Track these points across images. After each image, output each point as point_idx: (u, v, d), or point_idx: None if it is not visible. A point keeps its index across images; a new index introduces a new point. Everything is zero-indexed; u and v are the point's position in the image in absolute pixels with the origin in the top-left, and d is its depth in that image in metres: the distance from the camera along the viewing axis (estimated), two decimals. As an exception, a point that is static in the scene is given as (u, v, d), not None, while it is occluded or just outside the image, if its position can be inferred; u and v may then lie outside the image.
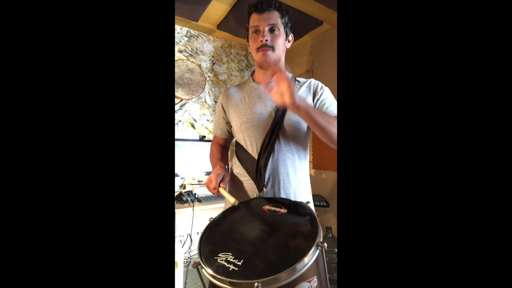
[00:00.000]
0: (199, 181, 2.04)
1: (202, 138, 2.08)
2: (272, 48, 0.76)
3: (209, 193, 1.84)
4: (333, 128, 0.63)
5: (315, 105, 0.80)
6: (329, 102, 0.79)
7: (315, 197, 1.89)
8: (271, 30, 0.76)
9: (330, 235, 1.71)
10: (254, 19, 0.77)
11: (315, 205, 1.85)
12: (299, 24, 1.92)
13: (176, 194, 1.65)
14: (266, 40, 0.75)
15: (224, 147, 0.98)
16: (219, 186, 0.74)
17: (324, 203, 1.85)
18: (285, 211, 0.58)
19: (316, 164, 2.15)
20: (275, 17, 0.76)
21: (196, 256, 2.07)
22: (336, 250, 1.61)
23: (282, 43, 0.79)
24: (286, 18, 0.79)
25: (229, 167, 0.93)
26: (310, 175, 2.25)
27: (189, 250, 1.99)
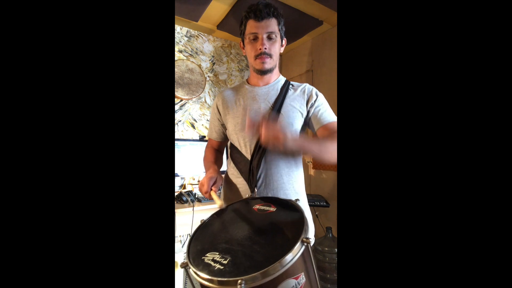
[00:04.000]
0: (199, 181, 2.03)
1: (202, 138, 2.08)
2: (270, 56, 0.79)
3: (209, 193, 1.84)
4: (328, 155, 0.67)
5: (309, 111, 0.81)
6: (324, 108, 0.81)
7: (315, 197, 1.89)
8: (269, 38, 0.77)
9: (330, 235, 1.71)
10: (252, 26, 0.77)
11: (315, 205, 1.86)
12: (299, 24, 1.92)
13: (176, 194, 1.65)
14: (265, 48, 0.77)
15: (219, 150, 0.99)
16: (211, 189, 0.74)
17: (324, 203, 1.85)
18: (274, 210, 0.59)
19: (316, 164, 2.15)
20: (273, 25, 0.77)
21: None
22: (336, 250, 1.61)
23: (278, 49, 0.81)
24: (282, 24, 0.80)
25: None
26: (310, 175, 2.25)
27: (189, 250, 1.98)
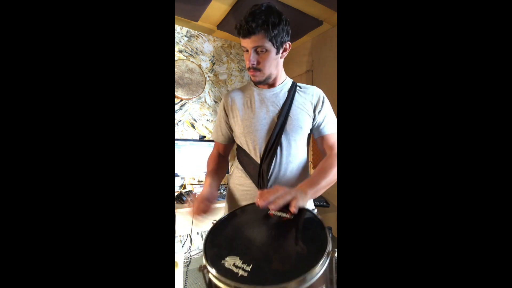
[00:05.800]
0: (199, 181, 2.04)
1: (202, 138, 2.08)
2: (259, 70, 0.77)
3: (209, 193, 1.84)
4: (332, 183, 0.73)
5: (314, 117, 0.82)
6: (328, 118, 0.82)
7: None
8: (257, 52, 0.74)
9: (330, 235, 1.71)
10: (241, 40, 0.75)
11: (315, 205, 1.85)
12: (299, 24, 1.92)
13: (176, 194, 1.65)
14: (253, 64, 0.75)
15: (224, 156, 0.96)
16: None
17: (324, 203, 1.85)
18: (291, 217, 0.57)
19: (316, 164, 2.15)
20: (260, 39, 0.72)
21: (196, 256, 2.06)
22: (336, 250, 1.61)
23: (272, 59, 0.76)
24: (278, 30, 0.73)
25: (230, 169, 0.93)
26: (310, 175, 2.25)
27: (189, 250, 1.99)
